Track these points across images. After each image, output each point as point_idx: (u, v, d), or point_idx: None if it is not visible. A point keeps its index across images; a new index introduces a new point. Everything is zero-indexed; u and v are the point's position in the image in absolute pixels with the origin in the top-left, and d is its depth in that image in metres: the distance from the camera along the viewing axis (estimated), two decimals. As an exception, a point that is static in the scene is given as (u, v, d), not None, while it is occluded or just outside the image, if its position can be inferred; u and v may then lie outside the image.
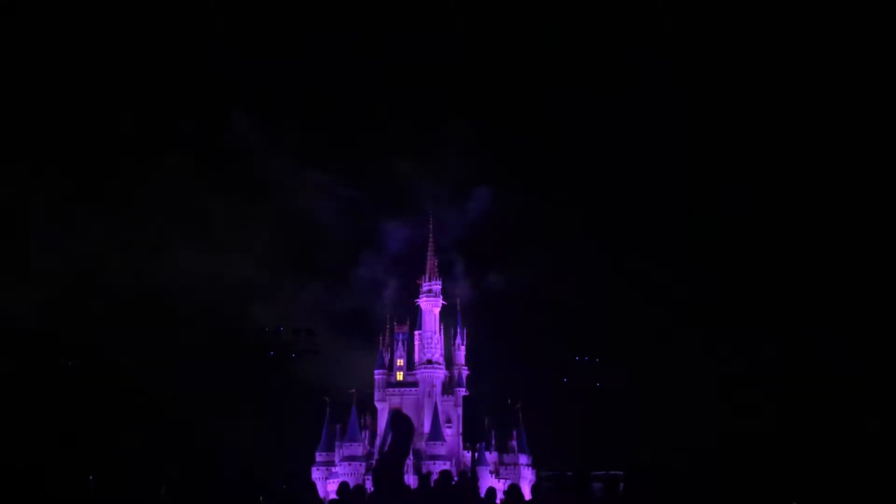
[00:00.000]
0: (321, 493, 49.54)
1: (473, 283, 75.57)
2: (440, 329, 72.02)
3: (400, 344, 71.90)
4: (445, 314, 72.74)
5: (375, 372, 71.19)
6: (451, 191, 76.90)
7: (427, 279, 72.53)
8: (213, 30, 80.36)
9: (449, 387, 70.84)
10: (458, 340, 72.13)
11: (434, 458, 65.78)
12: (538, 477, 67.11)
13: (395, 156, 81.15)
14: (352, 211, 79.57)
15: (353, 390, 70.63)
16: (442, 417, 68.95)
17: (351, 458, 68.17)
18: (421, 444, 66.82)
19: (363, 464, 67.38)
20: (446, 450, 67.52)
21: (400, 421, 14.57)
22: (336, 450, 69.14)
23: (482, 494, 18.47)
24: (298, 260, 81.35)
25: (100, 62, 79.11)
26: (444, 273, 73.65)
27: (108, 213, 76.45)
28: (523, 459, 70.09)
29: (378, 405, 70.63)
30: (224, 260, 75.78)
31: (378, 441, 68.30)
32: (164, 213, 79.69)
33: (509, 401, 70.52)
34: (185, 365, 67.72)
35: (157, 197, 79.09)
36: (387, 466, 14.46)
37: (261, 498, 18.93)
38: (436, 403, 69.14)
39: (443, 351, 71.60)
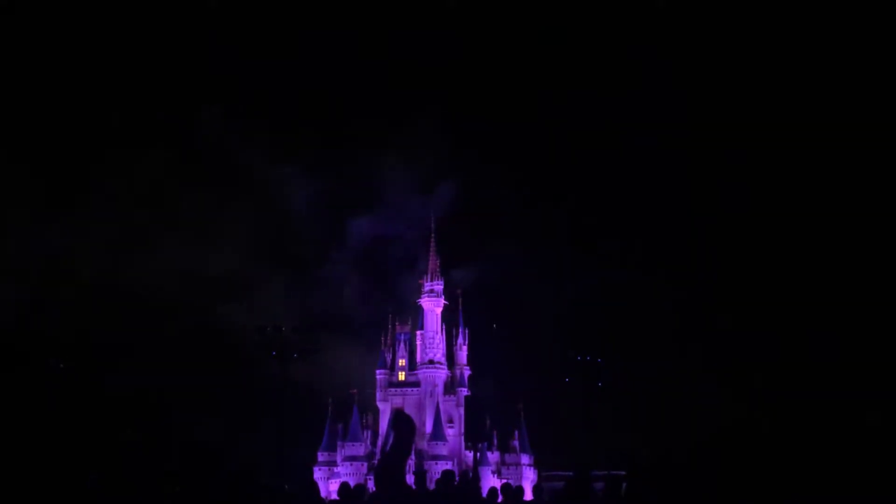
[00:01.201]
0: (323, 493, 49.45)
1: (472, 280, 75.53)
2: (442, 329, 71.98)
3: (401, 344, 71.86)
4: (447, 313, 72.75)
5: (377, 372, 71.14)
6: (449, 188, 76.83)
7: (429, 279, 72.43)
8: (190, 24, 79.98)
9: (451, 387, 70.76)
10: (461, 340, 72.02)
11: (436, 458, 65.70)
12: (540, 477, 67.03)
13: (384, 154, 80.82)
14: (332, 206, 79.47)
15: (355, 390, 70.56)
16: (444, 417, 68.88)
17: (353, 458, 68.08)
18: (423, 444, 66.76)
19: (365, 464, 67.35)
20: (448, 450, 67.48)
21: (402, 421, 14.59)
22: (338, 450, 69.03)
23: (484, 494, 18.49)
24: (288, 258, 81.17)
25: (70, 57, 78.81)
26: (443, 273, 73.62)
27: (83, 210, 75.89)
28: (525, 459, 69.99)
29: (380, 405, 70.59)
30: (212, 257, 75.49)
31: (380, 441, 68.26)
32: (142, 208, 79.27)
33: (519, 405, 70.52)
34: (184, 364, 67.64)
35: (133, 192, 78.63)
36: (388, 466, 14.48)
37: (262, 497, 18.92)
38: (438, 403, 69.08)
39: (444, 351, 71.56)
